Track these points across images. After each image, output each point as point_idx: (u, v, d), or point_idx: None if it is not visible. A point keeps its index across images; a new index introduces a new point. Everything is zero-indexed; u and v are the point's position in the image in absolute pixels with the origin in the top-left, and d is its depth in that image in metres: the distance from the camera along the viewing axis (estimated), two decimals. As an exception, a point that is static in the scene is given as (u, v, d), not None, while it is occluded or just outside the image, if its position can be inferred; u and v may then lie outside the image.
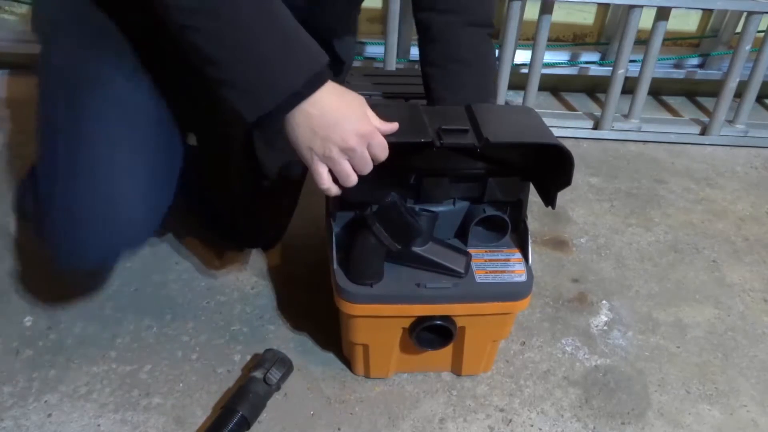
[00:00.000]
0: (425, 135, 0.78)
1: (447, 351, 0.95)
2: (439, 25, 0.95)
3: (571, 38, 2.03)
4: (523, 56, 1.81)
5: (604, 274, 1.26)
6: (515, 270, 0.90)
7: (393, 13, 1.69)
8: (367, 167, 0.75)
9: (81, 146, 0.81)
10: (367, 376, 0.98)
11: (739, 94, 1.77)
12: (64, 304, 1.07)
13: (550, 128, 0.86)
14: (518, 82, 1.83)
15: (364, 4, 1.07)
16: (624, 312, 1.17)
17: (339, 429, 0.91)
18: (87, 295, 1.10)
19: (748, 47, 1.68)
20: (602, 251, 1.33)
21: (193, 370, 0.98)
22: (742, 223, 1.46)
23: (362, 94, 0.77)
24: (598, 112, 1.82)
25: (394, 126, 0.77)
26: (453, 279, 0.86)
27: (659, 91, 2.05)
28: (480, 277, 0.88)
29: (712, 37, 1.99)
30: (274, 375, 0.91)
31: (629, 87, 1.76)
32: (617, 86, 1.72)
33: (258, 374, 0.91)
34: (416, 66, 1.74)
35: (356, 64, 1.78)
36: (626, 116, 1.82)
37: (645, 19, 1.65)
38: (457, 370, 0.99)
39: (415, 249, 0.86)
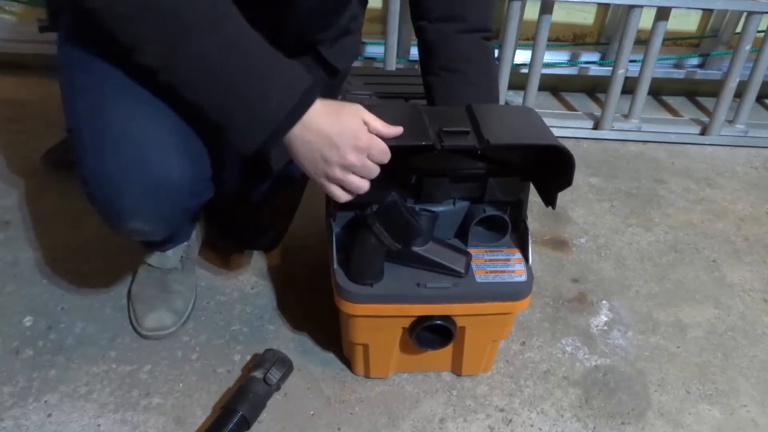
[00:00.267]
0: (426, 138, 0.78)
1: (447, 351, 0.95)
2: (432, 34, 0.95)
3: (571, 38, 2.03)
4: (523, 56, 1.81)
5: (604, 274, 1.26)
6: (515, 270, 0.90)
7: (393, 13, 1.69)
8: (373, 174, 0.76)
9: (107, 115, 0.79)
10: (367, 376, 0.98)
11: (739, 94, 1.77)
12: (64, 304, 1.08)
13: (550, 128, 0.86)
14: (518, 82, 1.83)
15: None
16: (624, 312, 1.17)
17: (339, 429, 0.91)
18: (87, 295, 1.10)
19: (748, 47, 1.68)
20: (602, 251, 1.33)
21: (193, 370, 0.98)
22: (742, 223, 1.46)
23: (362, 95, 0.77)
24: (598, 112, 1.82)
25: (398, 130, 0.77)
26: (453, 279, 0.86)
27: (659, 91, 2.06)
28: (480, 277, 0.88)
29: (712, 37, 2.00)
30: (274, 375, 0.91)
31: (629, 87, 1.76)
32: (617, 86, 1.72)
33: (258, 374, 0.91)
34: (416, 66, 1.74)
35: (356, 64, 1.78)
36: (626, 116, 1.82)
37: (645, 19, 1.65)
38: (457, 370, 0.99)
39: (416, 249, 0.86)
